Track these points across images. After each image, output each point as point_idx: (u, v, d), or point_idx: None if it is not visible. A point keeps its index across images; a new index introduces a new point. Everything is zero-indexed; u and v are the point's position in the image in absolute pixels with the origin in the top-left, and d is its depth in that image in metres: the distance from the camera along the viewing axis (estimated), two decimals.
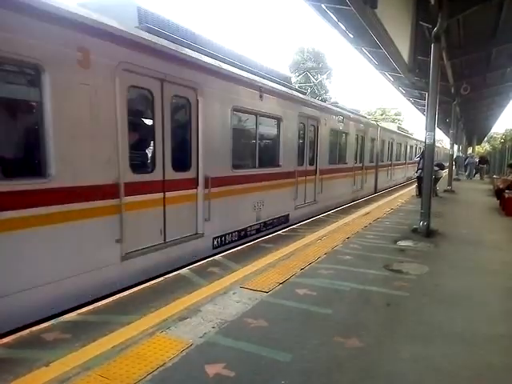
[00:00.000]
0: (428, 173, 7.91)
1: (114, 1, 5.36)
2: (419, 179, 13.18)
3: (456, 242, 7.09)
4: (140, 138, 5.36)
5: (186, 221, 6.01)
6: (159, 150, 5.38)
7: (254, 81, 7.61)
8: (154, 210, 5.32)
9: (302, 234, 7.50)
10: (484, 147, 65.66)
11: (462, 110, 21.27)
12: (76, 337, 3.22)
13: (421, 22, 8.64)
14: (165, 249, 5.49)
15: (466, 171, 27.55)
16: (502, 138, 53.66)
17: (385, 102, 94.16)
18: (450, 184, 16.72)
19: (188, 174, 6.00)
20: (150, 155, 5.44)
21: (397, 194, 15.72)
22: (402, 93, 22.24)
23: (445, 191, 15.90)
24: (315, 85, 31.45)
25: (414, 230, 7.67)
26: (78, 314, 3.75)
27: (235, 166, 7.09)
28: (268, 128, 8.74)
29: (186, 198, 5.93)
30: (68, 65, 4.10)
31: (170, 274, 4.97)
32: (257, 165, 7.97)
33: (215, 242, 6.71)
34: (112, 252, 4.71)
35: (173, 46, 5.53)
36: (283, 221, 9.09)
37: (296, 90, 10.23)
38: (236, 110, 7.10)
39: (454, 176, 20.53)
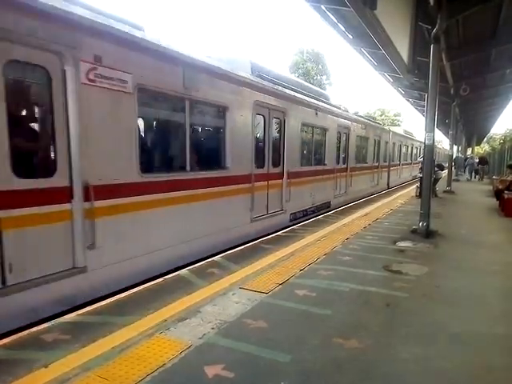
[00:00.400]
0: (427, 173, 7.91)
1: (232, 55, 8.13)
2: (421, 180, 13.20)
3: (455, 243, 7.09)
4: (259, 144, 8.11)
5: (277, 201, 8.77)
6: (267, 152, 8.25)
7: (312, 103, 10.40)
8: (263, 192, 8.12)
9: (301, 234, 7.50)
10: (483, 148, 65.71)
11: (462, 110, 21.30)
12: (75, 338, 3.22)
13: (420, 23, 8.65)
14: (267, 218, 8.27)
15: (465, 172, 27.50)
16: (501, 139, 53.72)
17: (384, 103, 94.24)
18: (449, 185, 16.74)
19: (278, 169, 8.75)
20: (264, 157, 8.22)
21: (396, 195, 15.73)
22: (402, 93, 22.30)
23: (444, 192, 15.91)
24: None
25: (414, 231, 7.67)
26: (78, 314, 3.75)
27: (302, 164, 9.92)
28: (319, 136, 11.40)
29: (277, 185, 8.71)
30: (240, 107, 7.19)
31: (170, 275, 4.97)
32: (313, 163, 10.83)
33: (291, 217, 9.48)
34: (247, 216, 7.56)
35: (274, 87, 8.40)
36: (327, 206, 11.81)
37: (334, 106, 12.74)
38: (303, 124, 9.92)
39: (454, 177, 20.55)
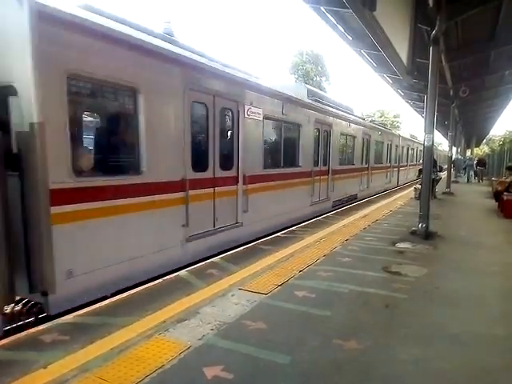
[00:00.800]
0: (427, 175, 7.91)
1: (291, 83, 13.95)
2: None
3: (455, 244, 7.10)
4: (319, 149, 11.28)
5: (324, 190, 11.52)
6: (323, 156, 11.39)
7: (347, 117, 13.37)
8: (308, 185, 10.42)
9: (300, 235, 7.50)
10: (483, 149, 65.80)
11: (461, 112, 21.33)
12: (74, 339, 3.22)
13: (419, 25, 8.66)
14: (315, 204, 10.87)
15: (464, 173, 27.28)
16: (500, 141, 53.79)
17: (384, 104, 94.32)
18: (448, 186, 16.75)
19: (326, 168, 11.61)
20: (319, 159, 11.16)
21: (396, 196, 15.74)
22: (401, 95, 22.32)
23: (443, 193, 15.92)
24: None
25: (413, 232, 7.67)
26: (76, 315, 3.74)
27: (340, 163, 12.90)
28: (350, 143, 14.33)
29: (324, 179, 11.47)
30: (308, 124, 10.11)
31: (169, 276, 4.97)
32: (346, 162, 13.84)
33: (333, 204, 12.23)
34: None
35: (323, 107, 11.30)
36: (355, 197, 14.72)
37: (359, 117, 16.03)
38: (342, 134, 12.94)
39: (453, 178, 20.57)
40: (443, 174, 20.31)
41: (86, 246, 4.29)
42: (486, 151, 58.07)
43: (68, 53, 4.04)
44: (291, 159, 9.64)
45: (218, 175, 6.66)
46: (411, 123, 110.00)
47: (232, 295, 4.24)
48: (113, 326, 3.44)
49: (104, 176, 4.65)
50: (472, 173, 26.27)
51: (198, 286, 4.53)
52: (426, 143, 7.79)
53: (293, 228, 8.51)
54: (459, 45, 11.61)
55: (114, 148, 5.20)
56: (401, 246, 6.80)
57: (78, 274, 4.18)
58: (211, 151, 6.48)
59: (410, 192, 16.48)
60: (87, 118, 5.37)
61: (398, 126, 52.70)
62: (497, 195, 12.14)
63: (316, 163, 10.82)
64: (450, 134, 19.47)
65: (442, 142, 56.14)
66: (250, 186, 7.45)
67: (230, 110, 7.06)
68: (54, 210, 3.86)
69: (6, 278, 3.54)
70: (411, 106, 26.96)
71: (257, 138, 7.85)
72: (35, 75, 3.63)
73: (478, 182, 24.91)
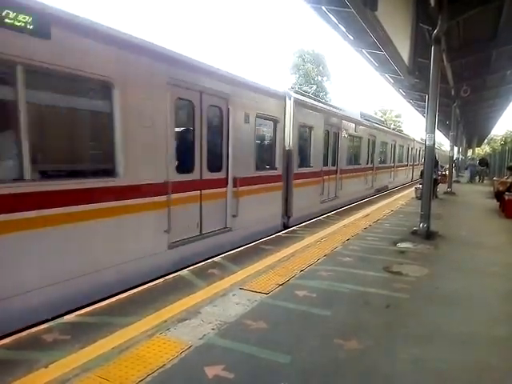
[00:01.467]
0: (428, 175, 7.91)
1: (353, 108, 15.64)
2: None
3: (456, 244, 7.09)
4: (381, 156, 18.93)
5: (365, 184, 16.39)
6: (379, 156, 17.44)
7: (385, 130, 19.73)
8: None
9: (301, 235, 7.50)
10: (484, 149, 65.70)
11: (462, 112, 21.31)
12: (75, 338, 3.22)
13: (421, 24, 8.65)
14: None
15: (466, 174, 26.92)
16: (502, 140, 53.70)
17: (385, 104, 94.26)
18: (450, 186, 16.74)
19: (370, 165, 16.57)
20: (373, 158, 17.03)
21: (397, 196, 15.72)
22: (403, 95, 22.31)
23: (445, 193, 15.91)
24: (317, 86, 32.05)
25: (414, 232, 7.67)
26: (78, 315, 3.75)
27: (380, 162, 18.33)
28: (383, 148, 19.18)
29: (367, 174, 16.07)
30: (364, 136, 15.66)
31: (170, 276, 4.97)
32: (381, 162, 18.63)
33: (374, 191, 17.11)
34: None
35: (373, 125, 17.42)
36: (386, 188, 19.32)
37: (390, 128, 23.22)
38: (382, 142, 18.17)
39: (454, 178, 20.56)
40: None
41: (380, 180, 17.36)
42: (488, 151, 57.98)
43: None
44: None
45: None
46: (413, 123, 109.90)
47: (233, 295, 4.25)
48: (114, 326, 3.44)
49: (383, 163, 18.22)
50: (475, 173, 25.46)
51: (198, 286, 4.54)
52: (427, 143, 7.79)
53: (294, 228, 8.52)
54: (461, 44, 11.59)
55: (385, 156, 19.18)
56: (402, 245, 6.80)
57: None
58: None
59: (411, 192, 16.47)
60: None
61: (400, 126, 52.60)
62: (498, 195, 12.13)
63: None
64: (451, 133, 19.45)
65: (444, 144, 56.11)
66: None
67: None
68: None
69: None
70: (412, 105, 26.94)
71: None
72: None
73: (479, 181, 24.57)
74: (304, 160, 10.12)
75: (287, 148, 9.03)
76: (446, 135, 34.48)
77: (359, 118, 15.40)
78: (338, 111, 12.77)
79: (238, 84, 7.06)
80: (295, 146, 9.31)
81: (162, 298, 4.13)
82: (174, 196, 5.52)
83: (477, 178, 25.54)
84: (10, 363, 2.85)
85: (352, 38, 11.88)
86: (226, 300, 4.10)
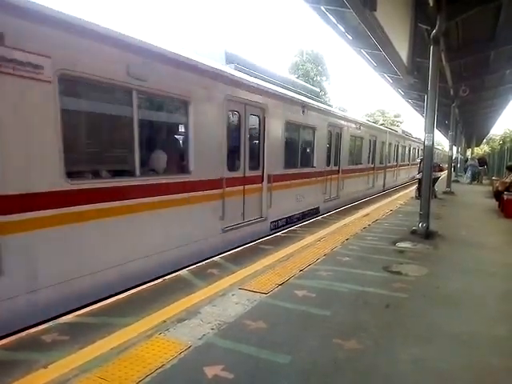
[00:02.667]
0: (427, 174, 7.91)
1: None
2: (420, 181, 13.36)
3: (455, 244, 7.10)
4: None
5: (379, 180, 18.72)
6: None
7: (410, 138, 25.03)
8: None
9: (301, 235, 7.50)
10: (483, 149, 65.78)
11: (461, 111, 21.33)
12: (74, 339, 3.21)
13: (420, 24, 8.65)
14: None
15: (465, 173, 25.70)
16: (501, 140, 53.77)
17: (384, 104, 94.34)
18: (449, 185, 16.75)
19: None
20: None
21: (396, 196, 15.73)
22: (401, 94, 22.33)
23: (444, 193, 15.93)
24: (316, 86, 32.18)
25: (413, 232, 7.67)
26: (76, 315, 3.74)
27: (397, 161, 21.92)
28: (402, 150, 22.40)
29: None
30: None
31: (169, 276, 4.97)
32: (391, 161, 20.35)
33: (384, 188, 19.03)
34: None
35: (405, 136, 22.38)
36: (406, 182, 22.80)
37: (410, 135, 26.65)
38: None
39: (453, 178, 20.56)
40: (443, 174, 20.33)
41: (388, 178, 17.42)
42: (487, 150, 58.05)
43: None
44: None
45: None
46: (412, 123, 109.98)
47: (232, 295, 4.24)
48: (113, 326, 3.44)
49: (390, 163, 18.38)
50: (469, 174, 24.30)
51: (198, 286, 4.53)
52: (426, 142, 7.79)
53: (293, 227, 8.52)
54: (459, 44, 11.61)
55: (395, 156, 20.03)
56: (401, 245, 6.80)
57: None
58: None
59: (410, 191, 16.49)
60: None
61: (399, 126, 52.63)
62: (497, 195, 12.14)
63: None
64: (450, 133, 19.47)
65: (444, 145, 56.20)
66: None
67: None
68: None
69: None
70: (411, 105, 26.96)
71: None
72: None
73: (478, 182, 23.61)
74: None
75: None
76: (445, 135, 34.55)
77: None
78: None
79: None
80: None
81: (162, 298, 4.12)
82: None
83: (477, 179, 24.29)
84: (8, 364, 2.85)
85: (351, 37, 11.89)
86: (226, 300, 4.10)
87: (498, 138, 63.14)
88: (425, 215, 7.60)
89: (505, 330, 3.62)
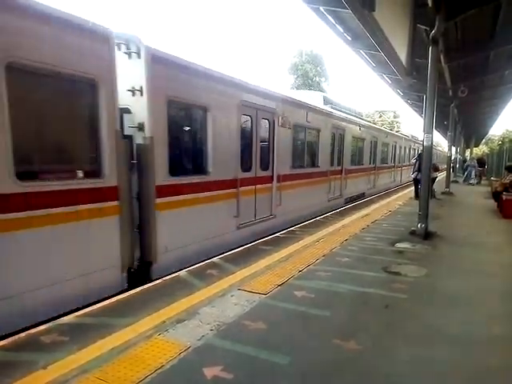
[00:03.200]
0: (426, 175, 7.91)
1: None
2: (415, 181, 13.43)
3: (454, 244, 7.10)
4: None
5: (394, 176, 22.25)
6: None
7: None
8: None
9: (300, 236, 7.50)
10: (482, 149, 65.84)
11: (460, 112, 21.33)
12: (74, 339, 3.22)
13: (418, 25, 8.67)
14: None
15: (463, 174, 25.07)
16: (499, 140, 53.81)
17: (383, 104, 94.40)
18: (447, 186, 16.77)
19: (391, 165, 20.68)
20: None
21: (395, 196, 15.75)
22: (400, 95, 22.33)
23: (443, 193, 15.94)
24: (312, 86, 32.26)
25: (412, 232, 7.68)
26: (76, 316, 3.75)
27: (400, 162, 23.37)
28: (400, 149, 22.82)
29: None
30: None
31: (169, 276, 4.97)
32: (391, 161, 21.26)
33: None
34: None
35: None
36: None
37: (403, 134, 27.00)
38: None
39: (452, 178, 20.55)
40: (442, 174, 20.37)
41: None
42: (486, 151, 58.09)
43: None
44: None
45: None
46: (411, 123, 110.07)
47: (231, 295, 4.24)
48: (112, 327, 3.44)
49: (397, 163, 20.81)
50: (473, 174, 23.48)
51: (197, 287, 4.53)
52: (425, 143, 7.80)
53: (292, 228, 8.53)
54: (458, 45, 11.62)
55: (400, 157, 21.47)
56: (400, 246, 6.81)
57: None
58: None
59: (409, 192, 16.49)
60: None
61: (398, 126, 52.66)
62: (496, 195, 12.16)
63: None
64: (449, 133, 19.47)
65: (443, 146, 56.27)
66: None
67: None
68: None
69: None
70: (410, 106, 26.97)
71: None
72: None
73: (477, 183, 23.03)
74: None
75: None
76: (444, 136, 34.56)
77: None
78: None
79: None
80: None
81: (161, 298, 4.12)
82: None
83: (476, 180, 23.59)
84: (8, 365, 2.85)
85: (350, 38, 11.91)
86: (225, 301, 4.10)
87: (496, 138, 63.20)
88: (424, 216, 7.60)
89: (504, 330, 3.63)
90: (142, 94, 5.14)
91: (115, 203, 4.72)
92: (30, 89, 4.02)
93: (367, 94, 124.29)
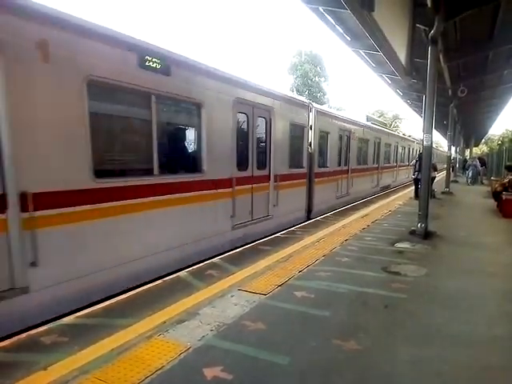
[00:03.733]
0: (425, 175, 7.92)
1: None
2: (416, 181, 13.44)
3: (454, 244, 7.11)
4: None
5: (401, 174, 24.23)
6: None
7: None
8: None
9: (300, 236, 7.51)
10: (481, 149, 65.87)
11: (460, 112, 21.35)
12: (74, 340, 3.22)
13: (418, 25, 8.69)
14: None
15: (464, 174, 25.05)
16: (499, 140, 53.82)
17: (383, 104, 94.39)
18: (447, 186, 16.78)
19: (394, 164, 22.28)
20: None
21: (395, 196, 15.75)
22: (400, 95, 22.36)
23: (443, 193, 15.95)
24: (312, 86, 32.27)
25: (412, 232, 7.68)
26: (76, 317, 3.75)
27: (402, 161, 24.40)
28: (403, 150, 24.23)
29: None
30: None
31: (169, 277, 4.97)
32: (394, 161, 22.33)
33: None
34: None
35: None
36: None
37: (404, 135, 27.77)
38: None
39: (452, 178, 20.55)
40: (441, 174, 20.34)
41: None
42: (485, 150, 58.09)
43: None
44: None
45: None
46: (411, 123, 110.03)
47: (231, 296, 4.25)
48: (112, 327, 3.44)
49: (400, 163, 22.97)
50: (472, 174, 22.87)
51: (197, 287, 4.54)
52: (424, 143, 7.80)
53: (292, 228, 8.53)
54: (458, 45, 11.63)
55: (401, 157, 23.89)
56: (400, 245, 6.81)
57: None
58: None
59: (409, 192, 16.50)
60: None
61: (398, 126, 52.67)
62: (496, 195, 12.16)
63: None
64: (448, 133, 19.48)
65: (443, 145, 56.34)
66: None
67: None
68: None
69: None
70: (410, 106, 27.01)
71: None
72: None
73: (479, 182, 22.74)
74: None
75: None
76: (444, 135, 34.61)
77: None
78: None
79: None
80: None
81: (161, 299, 4.13)
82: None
83: (480, 180, 23.26)
84: (8, 365, 2.85)
85: (349, 38, 11.94)
86: (225, 301, 4.10)
87: (496, 138, 63.21)
88: (423, 215, 7.61)
89: (504, 329, 3.63)
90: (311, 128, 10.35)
91: (306, 180, 10.35)
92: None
93: (367, 94, 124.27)
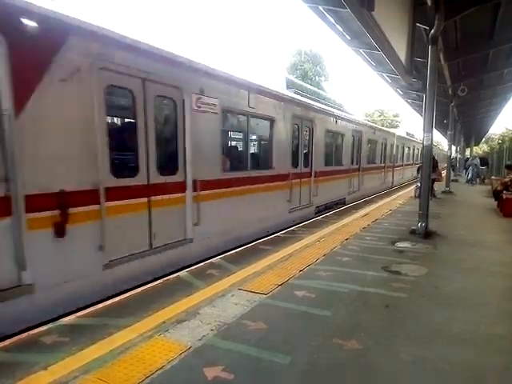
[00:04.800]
0: (426, 174, 7.91)
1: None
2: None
3: (454, 244, 7.10)
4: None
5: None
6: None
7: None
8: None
9: (300, 235, 7.50)
10: (482, 148, 65.82)
11: (460, 111, 21.34)
12: (74, 340, 3.22)
13: (418, 24, 8.66)
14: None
15: (466, 173, 24.06)
16: (499, 139, 53.77)
17: (383, 104, 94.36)
18: (448, 185, 16.77)
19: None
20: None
21: (395, 195, 15.75)
22: (400, 94, 22.33)
23: (443, 192, 15.94)
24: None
25: (413, 232, 7.68)
26: (77, 317, 3.74)
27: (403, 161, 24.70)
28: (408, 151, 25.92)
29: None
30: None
31: (169, 277, 4.97)
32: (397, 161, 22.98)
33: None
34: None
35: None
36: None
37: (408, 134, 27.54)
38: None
39: (453, 177, 20.53)
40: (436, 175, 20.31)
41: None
42: (486, 150, 58.05)
43: None
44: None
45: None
46: (411, 122, 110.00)
47: (232, 295, 4.25)
48: (113, 327, 3.44)
49: (404, 162, 25.42)
50: (473, 173, 22.25)
51: (198, 287, 4.53)
52: (424, 142, 7.79)
53: (292, 228, 8.52)
54: (458, 43, 11.62)
55: (406, 157, 25.56)
56: (400, 245, 6.81)
57: None
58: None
59: (409, 191, 16.50)
60: None
61: (398, 125, 52.67)
62: (496, 194, 12.16)
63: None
64: (449, 132, 19.46)
65: (443, 145, 56.41)
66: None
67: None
68: None
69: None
70: (410, 105, 26.98)
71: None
72: None
73: (481, 182, 22.31)
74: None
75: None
76: (444, 135, 34.57)
77: None
78: None
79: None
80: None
81: (161, 299, 4.13)
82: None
83: (480, 179, 22.77)
84: (9, 365, 2.85)
85: (349, 37, 11.92)
86: (225, 301, 4.10)
87: (496, 137, 63.14)
88: (424, 215, 7.60)
89: (505, 329, 3.63)
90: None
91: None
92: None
93: (367, 93, 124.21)
